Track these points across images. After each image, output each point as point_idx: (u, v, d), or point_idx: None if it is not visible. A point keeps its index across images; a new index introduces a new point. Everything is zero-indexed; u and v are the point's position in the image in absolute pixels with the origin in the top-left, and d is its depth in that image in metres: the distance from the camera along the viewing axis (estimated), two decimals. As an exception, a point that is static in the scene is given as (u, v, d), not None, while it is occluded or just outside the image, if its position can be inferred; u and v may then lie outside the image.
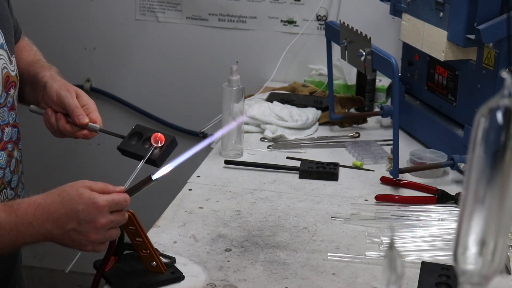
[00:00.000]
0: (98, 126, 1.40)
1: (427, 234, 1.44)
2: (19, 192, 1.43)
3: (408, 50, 2.00)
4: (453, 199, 1.58)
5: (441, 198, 1.58)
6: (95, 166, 2.75)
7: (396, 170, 1.65)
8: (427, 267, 1.30)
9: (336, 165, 1.76)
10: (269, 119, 2.00)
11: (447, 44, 1.69)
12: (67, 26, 2.67)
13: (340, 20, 1.83)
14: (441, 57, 1.72)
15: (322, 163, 1.77)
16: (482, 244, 0.71)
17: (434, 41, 1.74)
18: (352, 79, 2.30)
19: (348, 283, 1.28)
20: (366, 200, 1.62)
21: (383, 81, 2.30)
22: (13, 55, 1.39)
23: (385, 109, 1.87)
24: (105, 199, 1.13)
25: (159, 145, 1.31)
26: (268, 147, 1.91)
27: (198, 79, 2.62)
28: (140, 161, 1.32)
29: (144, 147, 1.34)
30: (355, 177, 1.74)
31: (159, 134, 1.33)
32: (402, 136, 1.93)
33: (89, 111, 1.41)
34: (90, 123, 1.40)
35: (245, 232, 1.45)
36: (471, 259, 0.72)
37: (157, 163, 1.33)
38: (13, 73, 1.37)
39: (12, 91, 1.37)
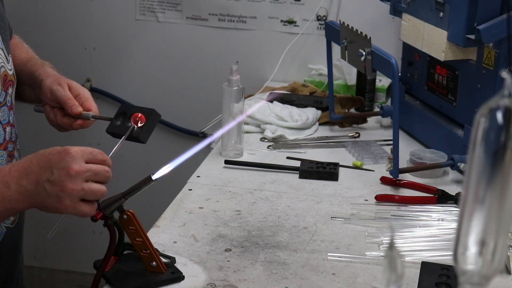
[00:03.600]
0: (90, 113, 1.40)
1: (427, 234, 1.44)
2: None
3: (408, 50, 2.00)
4: (453, 199, 1.58)
5: (441, 198, 1.58)
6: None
7: (396, 170, 1.65)
8: (427, 267, 1.30)
9: (336, 165, 1.76)
10: (269, 119, 2.00)
11: (447, 44, 1.69)
12: (67, 26, 2.67)
13: (340, 20, 1.83)
14: (441, 57, 1.72)
15: (322, 163, 1.77)
16: (482, 244, 0.71)
17: (434, 41, 1.74)
18: (352, 79, 2.30)
19: (348, 283, 1.28)
20: (366, 200, 1.62)
21: (383, 81, 2.30)
22: (10, 54, 1.39)
23: (385, 109, 1.87)
24: (77, 148, 1.11)
25: (140, 125, 1.31)
26: (268, 147, 1.91)
27: (198, 79, 2.62)
28: (128, 140, 1.33)
29: (127, 125, 1.34)
30: (355, 177, 1.74)
31: (140, 114, 1.33)
32: (402, 136, 1.93)
33: (82, 100, 1.41)
34: (83, 112, 1.39)
35: (245, 232, 1.45)
36: (471, 259, 0.72)
37: (140, 139, 1.33)
38: (10, 72, 1.38)
39: (10, 90, 1.38)
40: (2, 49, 1.35)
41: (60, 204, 1.10)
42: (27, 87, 1.48)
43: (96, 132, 2.72)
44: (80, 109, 1.39)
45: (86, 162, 1.11)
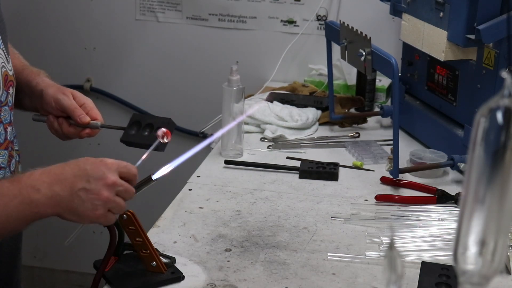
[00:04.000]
0: (98, 122, 1.42)
1: (427, 234, 1.44)
2: None
3: (408, 50, 2.00)
4: (453, 199, 1.58)
5: (441, 198, 1.58)
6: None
7: (396, 170, 1.65)
8: (427, 267, 1.30)
9: (336, 165, 1.76)
10: (269, 119, 2.00)
11: (447, 44, 1.69)
12: (67, 26, 2.67)
13: (340, 20, 1.83)
14: (441, 57, 1.72)
15: (322, 163, 1.77)
16: (482, 244, 0.71)
17: (434, 41, 1.74)
18: (352, 79, 2.30)
19: (348, 283, 1.28)
20: (366, 200, 1.62)
21: (383, 81, 2.30)
22: (9, 56, 1.39)
23: (385, 109, 1.87)
24: (113, 160, 1.14)
25: (166, 140, 1.31)
26: (268, 147, 1.91)
27: (198, 79, 2.62)
28: (144, 148, 1.34)
29: (144, 134, 1.35)
30: (355, 177, 1.74)
31: (166, 130, 1.32)
32: (402, 136, 1.93)
33: (87, 109, 1.43)
34: (91, 121, 1.41)
35: (245, 232, 1.45)
36: (471, 259, 0.72)
37: (160, 150, 1.34)
38: (10, 73, 1.38)
39: (11, 90, 1.38)
40: (3, 50, 1.35)
41: (93, 213, 1.11)
42: (23, 95, 1.48)
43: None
44: (88, 118, 1.40)
45: (120, 176, 1.13)
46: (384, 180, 1.69)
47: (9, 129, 1.37)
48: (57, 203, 1.10)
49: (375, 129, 2.08)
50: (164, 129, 1.29)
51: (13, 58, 1.51)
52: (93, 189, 1.10)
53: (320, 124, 2.08)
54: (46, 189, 1.09)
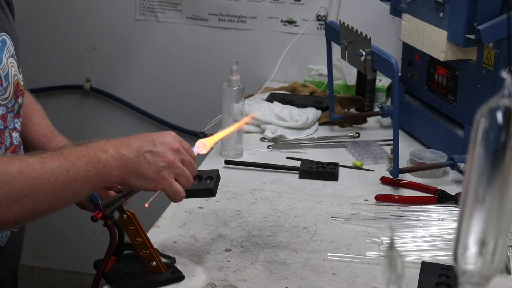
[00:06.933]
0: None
1: (427, 234, 1.44)
2: None
3: (408, 50, 2.00)
4: (453, 199, 1.58)
5: (441, 198, 1.58)
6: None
7: (396, 170, 1.65)
8: (427, 267, 1.30)
9: (336, 165, 1.76)
10: (269, 119, 2.00)
11: (447, 44, 1.69)
12: (67, 26, 2.67)
13: (340, 20, 1.83)
14: (441, 57, 1.72)
15: (322, 163, 1.77)
16: (482, 244, 0.71)
17: (434, 41, 1.74)
18: (352, 79, 2.30)
19: (348, 283, 1.28)
20: (366, 200, 1.62)
21: (383, 81, 2.30)
22: (20, 67, 1.39)
23: (385, 109, 1.87)
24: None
25: (203, 151, 1.27)
26: (268, 147, 1.91)
27: (198, 79, 2.62)
28: (204, 196, 1.36)
29: (206, 182, 1.32)
30: (355, 177, 1.74)
31: (204, 141, 1.30)
32: (402, 136, 1.93)
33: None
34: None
35: (245, 232, 1.45)
36: (471, 259, 0.72)
37: (213, 191, 1.31)
38: (22, 82, 1.38)
39: (20, 99, 1.37)
40: (16, 60, 1.35)
41: (158, 175, 1.13)
42: None
43: (97, 133, 2.72)
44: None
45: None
46: (384, 180, 1.69)
47: (14, 134, 1.37)
48: (124, 164, 1.11)
49: (375, 129, 2.08)
50: (203, 140, 1.26)
51: (39, 118, 1.50)
52: (159, 151, 1.13)
53: (320, 124, 2.08)
54: (113, 151, 1.11)
